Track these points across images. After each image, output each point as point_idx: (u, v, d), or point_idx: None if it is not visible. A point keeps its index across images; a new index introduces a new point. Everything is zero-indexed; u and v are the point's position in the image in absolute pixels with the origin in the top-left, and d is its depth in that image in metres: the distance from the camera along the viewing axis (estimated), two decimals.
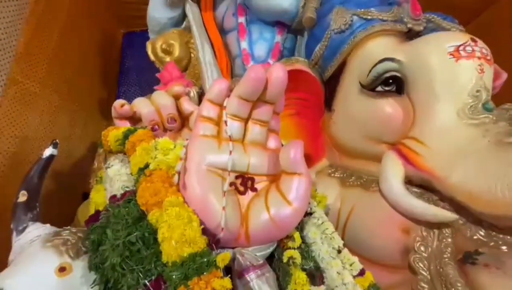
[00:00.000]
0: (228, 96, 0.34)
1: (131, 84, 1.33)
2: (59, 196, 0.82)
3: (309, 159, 0.69)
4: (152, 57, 0.81)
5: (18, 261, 0.31)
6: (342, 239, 0.40)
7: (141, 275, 0.25)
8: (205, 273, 0.23)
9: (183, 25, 0.85)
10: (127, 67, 1.34)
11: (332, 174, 0.58)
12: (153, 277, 0.25)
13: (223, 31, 0.89)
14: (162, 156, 0.34)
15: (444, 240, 0.39)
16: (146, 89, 1.30)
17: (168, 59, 0.79)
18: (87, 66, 1.09)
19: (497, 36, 1.19)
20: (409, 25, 0.59)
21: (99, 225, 0.30)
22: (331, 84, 0.65)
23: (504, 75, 0.78)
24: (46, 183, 0.72)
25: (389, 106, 0.51)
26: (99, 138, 1.23)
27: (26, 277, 0.29)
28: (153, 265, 0.25)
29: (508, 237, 0.37)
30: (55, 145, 0.43)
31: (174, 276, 0.24)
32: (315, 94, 0.68)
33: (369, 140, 0.55)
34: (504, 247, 0.38)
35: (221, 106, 0.34)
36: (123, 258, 0.26)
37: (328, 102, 0.67)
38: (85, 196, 0.91)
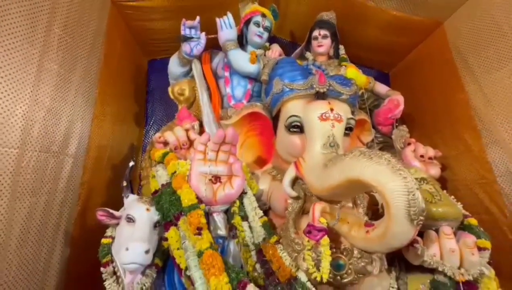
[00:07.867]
0: (209, 140, 0.83)
1: (156, 102, 1.74)
2: (115, 180, 1.33)
3: (263, 162, 1.17)
4: (171, 96, 1.30)
5: (129, 208, 0.83)
6: (269, 206, 0.89)
7: (176, 210, 0.76)
8: (196, 209, 0.74)
9: (191, 74, 1.32)
10: (152, 88, 1.77)
11: (270, 173, 1.07)
12: (178, 211, 0.76)
13: (217, 75, 1.36)
14: (181, 168, 0.84)
15: (298, 204, 0.88)
16: (168, 106, 1.70)
17: (181, 98, 1.28)
18: (124, 91, 1.57)
19: (423, 71, 1.60)
20: (317, 89, 1.04)
21: (158, 195, 0.82)
22: (276, 120, 1.12)
23: (401, 107, 1.28)
24: (107, 172, 1.24)
25: (296, 139, 0.98)
26: (136, 141, 1.76)
27: (140, 210, 0.81)
28: (179, 207, 0.76)
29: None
30: (133, 161, 0.94)
31: (185, 210, 0.74)
32: (269, 123, 1.15)
33: (289, 155, 1.02)
34: None
35: (206, 145, 0.83)
36: (169, 205, 0.77)
37: (275, 129, 1.14)
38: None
